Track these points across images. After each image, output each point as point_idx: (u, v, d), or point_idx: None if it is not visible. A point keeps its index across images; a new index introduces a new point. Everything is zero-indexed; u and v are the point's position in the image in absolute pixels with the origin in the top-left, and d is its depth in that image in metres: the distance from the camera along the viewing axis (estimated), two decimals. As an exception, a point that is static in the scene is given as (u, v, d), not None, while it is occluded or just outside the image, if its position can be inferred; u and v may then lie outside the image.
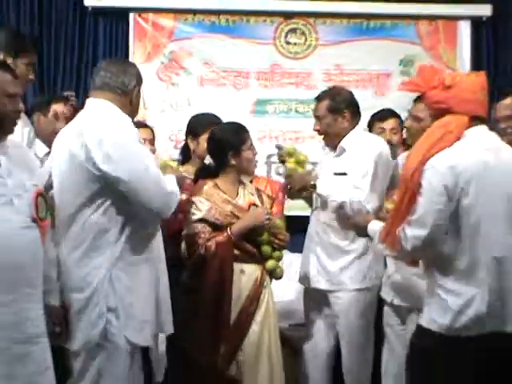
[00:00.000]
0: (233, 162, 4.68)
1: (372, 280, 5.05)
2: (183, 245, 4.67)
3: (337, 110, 5.08)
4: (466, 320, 3.62)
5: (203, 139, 5.02)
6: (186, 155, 5.30)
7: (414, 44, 7.68)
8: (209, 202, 4.64)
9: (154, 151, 5.24)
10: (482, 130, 3.89)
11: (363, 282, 5.02)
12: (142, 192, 3.88)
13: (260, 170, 6.97)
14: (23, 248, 3.58)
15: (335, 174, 5.03)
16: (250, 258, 4.67)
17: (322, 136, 5.23)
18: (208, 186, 4.72)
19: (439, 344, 3.69)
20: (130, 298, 3.95)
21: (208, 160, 4.94)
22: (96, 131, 3.89)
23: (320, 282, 5.10)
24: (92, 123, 3.97)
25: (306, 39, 7.67)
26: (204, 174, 4.87)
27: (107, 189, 3.90)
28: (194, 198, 4.66)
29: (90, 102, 4.17)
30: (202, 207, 4.62)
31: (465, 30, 7.69)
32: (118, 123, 4.00)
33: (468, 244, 3.71)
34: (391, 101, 7.24)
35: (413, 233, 3.73)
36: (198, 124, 5.19)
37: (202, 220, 4.61)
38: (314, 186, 4.99)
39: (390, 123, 5.77)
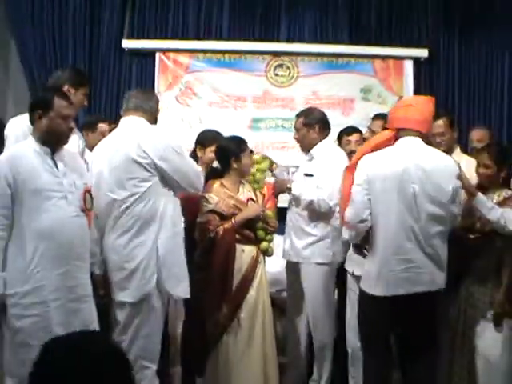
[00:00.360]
0: (234, 165, 4.95)
1: (329, 257, 5.27)
2: (197, 231, 4.86)
3: (309, 124, 5.37)
4: (369, 283, 4.15)
5: (209, 150, 5.27)
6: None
7: (371, 77, 8.07)
8: (217, 197, 4.88)
9: None
10: (406, 140, 4.20)
11: (323, 258, 5.27)
12: (187, 179, 4.31)
13: None
14: (74, 231, 3.84)
15: (305, 174, 5.33)
16: (249, 240, 4.95)
17: (299, 144, 5.49)
18: (216, 184, 4.95)
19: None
20: (171, 260, 4.24)
21: (215, 165, 5.22)
22: (153, 140, 4.21)
23: (291, 256, 5.41)
24: (146, 134, 4.25)
25: (290, 72, 8.08)
26: (212, 175, 5.10)
27: (159, 182, 4.22)
28: (206, 195, 4.87)
29: (125, 119, 4.42)
30: (212, 201, 4.86)
31: (409, 66, 8.09)
32: (165, 133, 4.38)
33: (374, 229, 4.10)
34: (353, 119, 7.62)
35: (346, 212, 4.17)
36: (206, 138, 5.40)
37: (212, 211, 4.86)
38: (290, 189, 5.27)
39: (354, 136, 6.00)
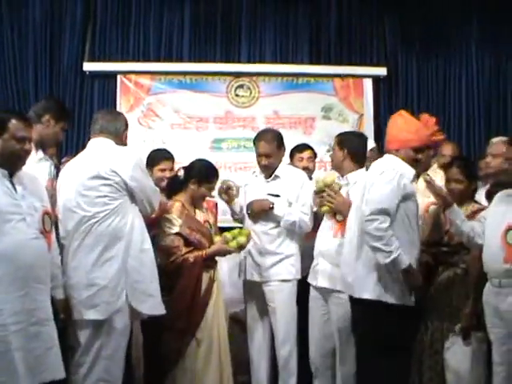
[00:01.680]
0: (192, 187, 4.97)
1: (293, 274, 5.29)
2: (159, 254, 4.73)
3: (280, 147, 5.40)
4: None
5: (156, 169, 5.33)
6: None
7: (331, 95, 8.10)
8: (180, 219, 4.85)
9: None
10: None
11: (287, 275, 5.29)
12: (148, 196, 4.36)
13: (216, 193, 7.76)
14: (33, 253, 3.77)
15: (270, 195, 5.31)
16: (208, 266, 4.93)
17: (268, 168, 5.38)
18: (177, 204, 4.92)
19: None
20: (138, 276, 4.25)
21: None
22: (123, 160, 4.27)
23: (254, 275, 5.35)
24: (115, 154, 4.31)
25: (251, 92, 8.09)
26: (173, 184, 5.09)
27: (128, 199, 4.27)
28: (169, 216, 4.85)
29: (93, 141, 4.47)
30: (176, 223, 4.83)
31: (368, 85, 8.15)
32: (133, 153, 4.41)
33: None
34: (315, 138, 7.78)
35: None
36: (153, 157, 5.47)
37: (177, 234, 4.82)
38: (272, 209, 5.23)
39: (307, 153, 6.10)
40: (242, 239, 5.06)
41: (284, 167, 5.49)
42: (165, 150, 5.73)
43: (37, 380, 3.73)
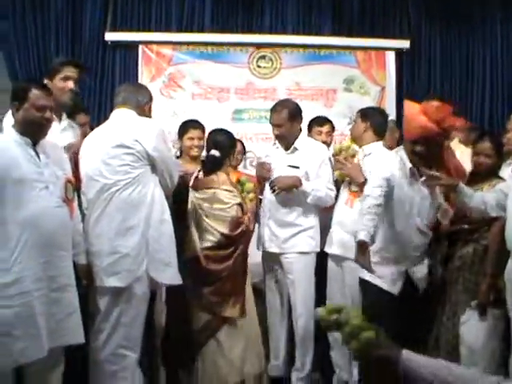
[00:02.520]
0: (228, 163, 5.12)
1: (312, 246, 5.27)
2: (231, 224, 4.88)
3: (293, 117, 5.32)
4: None
5: (186, 138, 5.44)
6: (180, 152, 5.55)
7: (354, 68, 8.08)
8: (236, 190, 5.03)
9: (202, 146, 5.44)
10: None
11: (306, 247, 5.27)
12: (170, 169, 4.40)
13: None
14: (56, 221, 3.83)
15: (290, 166, 5.27)
16: None
17: (283, 139, 5.36)
18: (226, 177, 5.03)
19: None
20: (158, 246, 4.28)
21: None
22: (146, 130, 4.29)
23: (272, 247, 5.33)
24: (138, 124, 4.34)
25: (272, 64, 8.07)
26: (213, 163, 5.09)
27: (149, 169, 4.30)
28: (230, 187, 4.96)
29: (116, 112, 4.50)
30: (236, 194, 4.97)
31: (391, 57, 8.12)
32: (156, 124, 4.43)
33: None
34: (336, 110, 7.79)
35: None
36: (181, 127, 5.58)
37: (239, 204, 4.95)
38: (301, 185, 5.17)
39: (326, 127, 6.03)
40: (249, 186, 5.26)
41: (303, 139, 5.45)
42: (195, 120, 5.76)
43: (58, 343, 3.82)
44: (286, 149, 5.39)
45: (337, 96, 8.12)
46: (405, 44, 8.22)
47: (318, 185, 5.23)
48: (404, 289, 4.42)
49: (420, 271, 4.48)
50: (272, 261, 5.40)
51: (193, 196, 4.97)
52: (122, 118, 4.44)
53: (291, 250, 5.27)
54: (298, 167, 5.28)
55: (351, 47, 8.17)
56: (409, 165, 4.34)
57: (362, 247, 4.12)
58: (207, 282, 4.84)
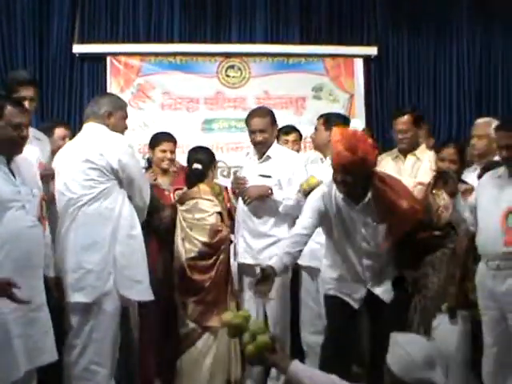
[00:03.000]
0: (211, 174, 5.22)
1: None
2: (210, 232, 5.00)
3: (274, 123, 5.31)
4: None
5: (158, 150, 5.39)
6: (150, 164, 5.53)
7: (322, 75, 8.09)
8: (216, 200, 5.12)
9: (173, 160, 5.49)
10: None
11: None
12: (139, 184, 4.36)
13: None
14: (32, 241, 3.80)
15: (260, 175, 5.23)
16: None
17: (262, 145, 5.27)
18: (207, 188, 5.15)
19: None
20: (126, 262, 4.25)
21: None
22: (110, 145, 4.28)
23: (247, 258, 5.29)
24: (104, 139, 4.30)
25: (241, 73, 8.06)
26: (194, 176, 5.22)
27: (116, 184, 4.28)
28: (211, 197, 5.08)
29: (85, 126, 4.47)
30: (217, 203, 5.08)
31: (359, 65, 8.15)
32: (121, 140, 4.38)
33: None
34: (306, 118, 7.74)
35: None
36: (154, 138, 5.53)
37: (219, 213, 5.08)
38: (271, 194, 5.15)
39: (292, 136, 6.06)
40: None
41: (276, 147, 5.38)
42: (167, 132, 5.73)
43: (35, 363, 3.79)
44: (260, 157, 5.33)
45: (306, 104, 8.12)
46: (372, 51, 8.25)
47: (289, 194, 5.18)
48: (371, 300, 4.38)
49: (380, 286, 4.39)
50: (248, 272, 5.32)
51: (179, 210, 5.10)
52: (88, 133, 4.43)
53: (266, 260, 5.03)
54: (269, 176, 5.23)
55: (319, 55, 8.19)
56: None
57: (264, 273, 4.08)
58: (192, 292, 4.95)
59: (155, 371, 5.13)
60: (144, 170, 5.21)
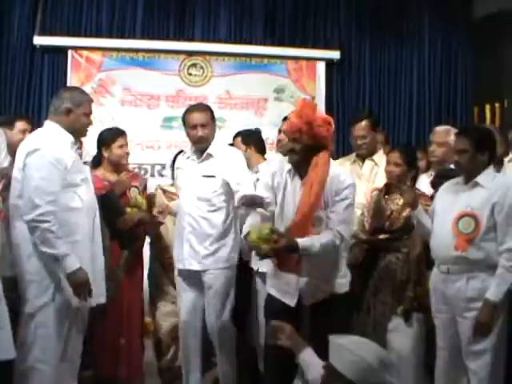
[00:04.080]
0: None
1: (234, 260, 4.95)
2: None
3: (213, 119, 4.95)
4: None
5: (115, 147, 5.14)
6: (98, 162, 5.21)
7: (284, 77, 8.15)
8: None
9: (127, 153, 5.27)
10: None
11: (228, 262, 4.91)
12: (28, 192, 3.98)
13: (167, 171, 7.46)
14: None
15: (203, 176, 4.87)
16: None
17: (202, 142, 4.89)
18: None
19: None
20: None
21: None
22: (27, 147, 4.08)
23: (192, 264, 4.91)
24: (28, 141, 4.16)
25: (203, 72, 8.07)
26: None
27: None
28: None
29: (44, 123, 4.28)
30: None
31: (321, 67, 8.23)
32: (35, 144, 4.07)
33: None
34: (267, 119, 7.86)
35: None
36: (108, 135, 5.22)
37: None
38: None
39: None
40: None
41: (217, 145, 4.99)
42: (115, 127, 5.56)
43: None
44: (199, 157, 4.97)
45: (267, 105, 8.17)
46: (335, 55, 8.32)
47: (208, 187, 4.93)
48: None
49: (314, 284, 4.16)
50: (191, 277, 5.02)
51: None
52: (37, 131, 4.30)
53: (214, 266, 4.95)
54: (213, 176, 4.89)
55: (282, 56, 8.24)
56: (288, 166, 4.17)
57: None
58: None
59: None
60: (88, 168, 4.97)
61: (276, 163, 4.41)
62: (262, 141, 5.79)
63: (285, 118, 5.41)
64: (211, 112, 5.00)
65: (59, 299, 4.09)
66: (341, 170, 4.32)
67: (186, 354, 5.04)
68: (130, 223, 5.04)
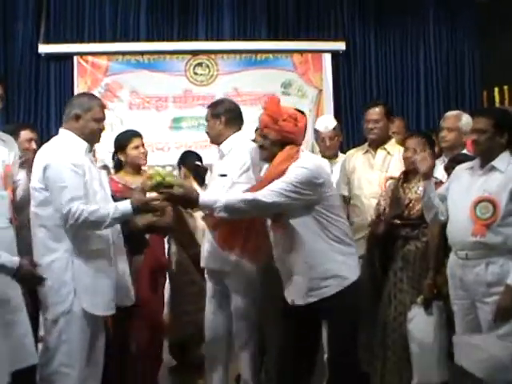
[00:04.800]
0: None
1: None
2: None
3: (216, 115, 4.76)
4: None
5: (130, 148, 5.07)
6: (119, 167, 5.18)
7: (291, 71, 8.19)
8: None
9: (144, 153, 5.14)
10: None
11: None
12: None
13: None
14: (5, 243, 3.71)
15: (219, 175, 4.75)
16: None
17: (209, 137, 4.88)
18: None
19: None
20: (86, 279, 3.98)
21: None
22: (44, 158, 3.96)
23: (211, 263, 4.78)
24: (46, 154, 4.00)
25: (209, 70, 8.11)
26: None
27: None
28: None
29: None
30: None
31: (327, 59, 8.24)
32: (56, 153, 3.97)
33: None
34: None
35: None
36: (123, 139, 5.16)
37: None
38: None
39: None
40: None
41: (231, 142, 4.80)
42: (129, 130, 5.53)
43: (14, 366, 3.74)
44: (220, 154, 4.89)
45: (276, 100, 8.13)
46: (340, 46, 8.32)
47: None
48: None
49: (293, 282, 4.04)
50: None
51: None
52: (50, 141, 4.19)
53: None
54: (225, 175, 4.71)
55: (287, 51, 8.27)
56: None
57: None
58: None
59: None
60: (113, 171, 5.14)
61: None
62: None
63: None
64: (214, 108, 4.84)
65: (79, 305, 4.03)
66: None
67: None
68: (138, 227, 4.86)
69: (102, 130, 4.18)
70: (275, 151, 3.93)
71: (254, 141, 4.89)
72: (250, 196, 3.80)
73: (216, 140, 4.83)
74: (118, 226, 4.19)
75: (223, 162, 4.77)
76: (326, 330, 4.16)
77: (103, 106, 4.23)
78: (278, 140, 3.91)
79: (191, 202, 3.76)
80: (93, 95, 4.57)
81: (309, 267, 3.86)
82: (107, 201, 4.11)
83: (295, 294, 3.94)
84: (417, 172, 4.44)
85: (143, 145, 5.23)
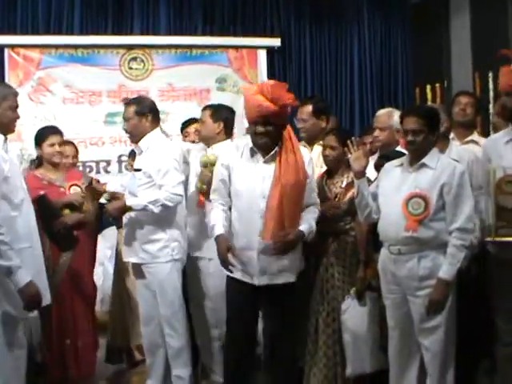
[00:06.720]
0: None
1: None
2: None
3: (141, 113, 4.84)
4: None
5: (45, 145, 5.17)
6: (40, 161, 5.28)
7: (226, 67, 8.18)
8: None
9: (62, 152, 5.26)
10: None
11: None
12: None
13: (113, 167, 7.67)
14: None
15: (134, 169, 4.89)
16: None
17: (129, 135, 4.99)
18: None
19: None
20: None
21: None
22: None
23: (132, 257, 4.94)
24: None
25: (144, 65, 8.03)
26: None
27: None
28: None
29: None
30: None
31: (262, 55, 8.26)
32: None
33: None
34: None
35: None
36: (38, 135, 5.29)
37: None
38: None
39: (192, 127, 5.75)
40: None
41: (151, 138, 4.91)
42: (51, 126, 5.61)
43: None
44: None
45: (210, 95, 8.15)
46: (275, 42, 8.34)
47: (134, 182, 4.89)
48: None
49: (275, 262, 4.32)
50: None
51: None
52: None
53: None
54: (139, 170, 4.86)
55: (223, 46, 8.25)
56: (249, 145, 4.31)
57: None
58: None
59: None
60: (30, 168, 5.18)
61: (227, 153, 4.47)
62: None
63: (205, 108, 5.37)
64: (139, 105, 4.94)
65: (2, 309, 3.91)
66: None
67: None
68: (66, 225, 5.00)
69: (17, 118, 4.13)
70: (280, 134, 4.21)
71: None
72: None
73: (139, 138, 4.89)
74: (34, 222, 4.11)
75: (141, 158, 4.87)
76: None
77: (17, 94, 4.17)
78: (284, 124, 4.22)
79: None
80: (5, 83, 4.56)
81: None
82: (26, 198, 4.05)
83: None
84: (338, 167, 4.65)
85: (62, 143, 5.30)
